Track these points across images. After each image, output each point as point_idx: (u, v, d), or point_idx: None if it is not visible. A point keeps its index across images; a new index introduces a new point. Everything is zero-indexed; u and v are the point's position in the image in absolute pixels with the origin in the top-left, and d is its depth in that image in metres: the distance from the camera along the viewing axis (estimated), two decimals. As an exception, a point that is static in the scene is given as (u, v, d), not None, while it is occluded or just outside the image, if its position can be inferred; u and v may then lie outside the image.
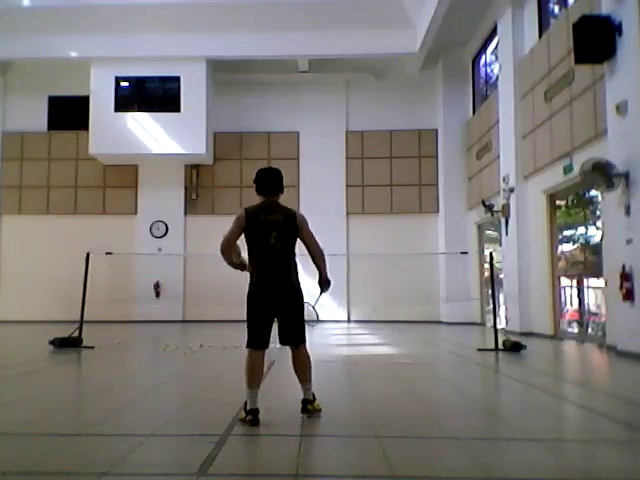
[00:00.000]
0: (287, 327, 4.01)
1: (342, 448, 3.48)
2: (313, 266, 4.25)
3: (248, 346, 3.99)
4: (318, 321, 12.88)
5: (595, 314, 10.94)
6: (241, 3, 15.97)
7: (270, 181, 4.09)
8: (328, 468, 3.06)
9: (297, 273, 4.09)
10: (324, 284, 4.23)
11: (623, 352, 7.96)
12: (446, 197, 17.18)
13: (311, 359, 4.11)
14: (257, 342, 3.97)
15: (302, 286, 4.12)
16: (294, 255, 4.09)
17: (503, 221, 13.21)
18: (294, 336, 4.03)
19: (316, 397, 4.11)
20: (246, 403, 3.92)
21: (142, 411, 4.53)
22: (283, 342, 4.06)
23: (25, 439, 3.57)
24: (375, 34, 16.15)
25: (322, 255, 4.20)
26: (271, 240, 3.97)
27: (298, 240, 4.13)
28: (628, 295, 7.83)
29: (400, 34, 16.24)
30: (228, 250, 4.10)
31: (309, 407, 4.03)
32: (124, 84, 17.41)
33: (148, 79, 17.37)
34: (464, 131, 17.09)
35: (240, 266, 4.20)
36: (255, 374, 3.93)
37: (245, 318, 4.07)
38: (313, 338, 11.77)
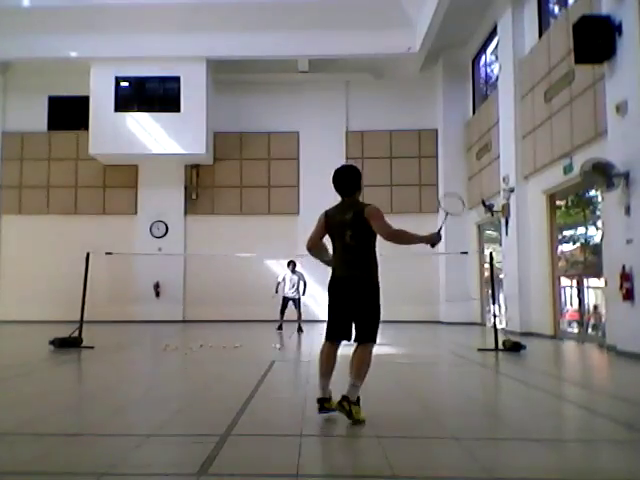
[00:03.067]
0: (358, 323, 4.03)
1: (342, 448, 3.48)
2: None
3: (325, 338, 4.10)
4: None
5: (595, 314, 10.94)
6: (241, 3, 15.98)
7: (340, 182, 4.21)
8: (328, 468, 3.06)
9: (375, 271, 4.09)
10: (434, 240, 4.01)
11: (623, 352, 7.96)
12: (446, 197, 17.16)
13: (370, 362, 3.99)
14: (329, 334, 4.08)
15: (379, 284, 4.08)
16: (371, 252, 4.09)
17: (503, 221, 13.21)
18: (361, 332, 4.01)
19: (360, 402, 3.89)
20: None
21: (142, 411, 4.53)
22: (355, 337, 4.06)
23: (25, 439, 3.57)
24: (375, 34, 16.15)
25: (399, 235, 4.01)
26: (346, 238, 4.06)
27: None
28: (628, 295, 7.83)
29: (400, 34, 16.24)
30: (312, 248, 4.31)
31: (344, 404, 3.83)
32: (124, 84, 17.41)
33: (148, 79, 17.37)
34: (464, 131, 17.09)
35: (331, 263, 4.27)
36: (322, 364, 4.03)
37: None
38: (315, 338, 11.78)
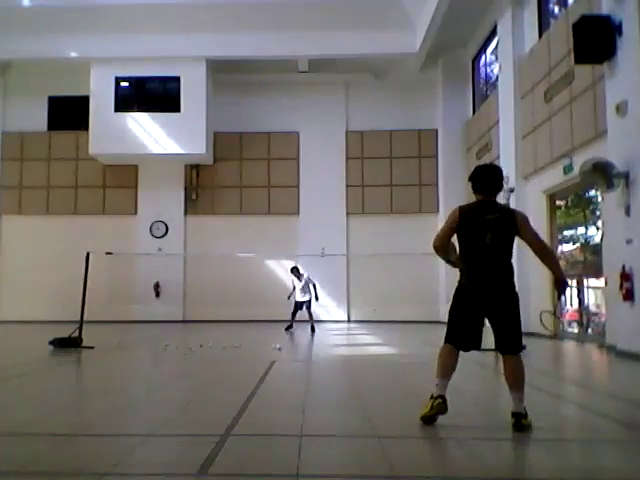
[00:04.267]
0: (499, 333, 3.85)
1: (342, 448, 3.48)
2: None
3: (445, 341, 3.96)
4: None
5: (595, 314, 10.94)
6: (241, 3, 15.98)
7: (488, 180, 4.05)
8: (328, 468, 3.05)
9: (512, 276, 3.89)
10: (560, 285, 3.88)
11: (623, 352, 7.95)
12: (446, 197, 17.17)
13: (524, 370, 3.82)
14: (453, 339, 3.93)
15: (517, 290, 3.89)
16: (510, 257, 3.90)
17: (503, 221, 13.19)
18: (505, 343, 3.84)
19: (527, 412, 3.76)
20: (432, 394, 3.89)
21: (142, 411, 4.53)
22: (497, 347, 3.91)
23: (25, 439, 3.57)
24: (375, 34, 16.15)
25: (549, 253, 3.95)
26: (486, 240, 3.84)
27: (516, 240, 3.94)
28: (628, 295, 7.83)
29: (400, 34, 16.24)
30: (440, 248, 4.07)
31: (523, 422, 3.70)
32: (124, 84, 17.41)
33: (148, 79, 17.38)
34: (464, 131, 17.09)
35: (457, 264, 4.08)
36: (444, 367, 3.90)
37: (447, 315, 4.02)
38: (317, 340, 11.79)
